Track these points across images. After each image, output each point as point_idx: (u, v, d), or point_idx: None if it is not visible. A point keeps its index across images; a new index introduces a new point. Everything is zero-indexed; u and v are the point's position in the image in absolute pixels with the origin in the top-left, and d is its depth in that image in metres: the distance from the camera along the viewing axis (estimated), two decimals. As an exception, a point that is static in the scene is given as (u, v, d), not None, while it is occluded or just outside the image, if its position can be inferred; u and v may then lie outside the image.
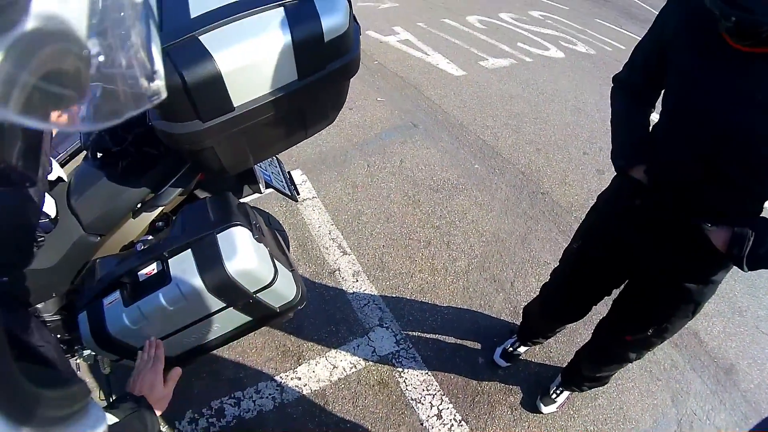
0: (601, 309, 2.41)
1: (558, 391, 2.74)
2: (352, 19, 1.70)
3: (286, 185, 2.42)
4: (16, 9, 0.43)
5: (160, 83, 0.58)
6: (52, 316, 1.94)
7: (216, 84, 1.47)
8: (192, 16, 1.49)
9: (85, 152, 2.00)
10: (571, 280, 2.36)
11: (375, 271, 3.29)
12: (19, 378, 0.61)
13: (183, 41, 1.43)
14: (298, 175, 3.92)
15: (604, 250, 2.07)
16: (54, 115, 0.50)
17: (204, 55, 1.42)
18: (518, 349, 2.91)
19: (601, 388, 2.74)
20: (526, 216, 3.87)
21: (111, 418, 1.01)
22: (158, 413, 1.22)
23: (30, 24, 0.43)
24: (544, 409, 2.71)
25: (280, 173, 2.47)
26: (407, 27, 6.77)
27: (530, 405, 2.75)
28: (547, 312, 2.59)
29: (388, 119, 4.76)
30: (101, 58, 0.51)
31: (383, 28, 6.60)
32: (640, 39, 1.79)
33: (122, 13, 0.53)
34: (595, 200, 2.15)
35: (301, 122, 1.84)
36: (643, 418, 2.77)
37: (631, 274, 2.09)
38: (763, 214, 1.65)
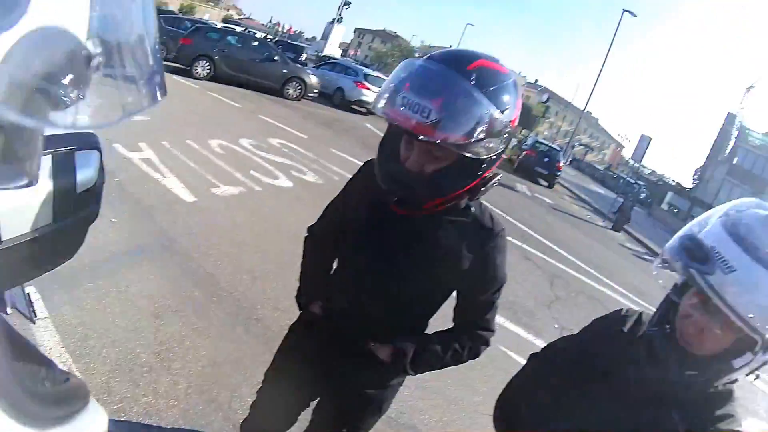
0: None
1: None
2: (101, 172, 1.94)
3: (26, 306, 2.42)
4: (16, 9, 0.43)
5: (159, 82, 0.59)
6: None
7: None
8: None
9: None
10: (273, 395, 2.50)
11: (103, 396, 3.28)
12: (19, 378, 0.60)
13: None
14: (33, 292, 3.88)
15: (298, 367, 2.28)
16: (54, 115, 0.50)
17: None
18: None
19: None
20: (240, 340, 4.21)
21: None
22: None
23: (30, 24, 0.44)
24: None
25: (22, 293, 2.45)
26: (152, 144, 6.96)
27: None
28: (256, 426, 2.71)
29: (118, 242, 4.84)
30: (101, 58, 0.51)
31: (129, 143, 6.71)
32: (334, 197, 2.17)
33: (122, 13, 0.54)
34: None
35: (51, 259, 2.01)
36: None
37: (323, 390, 2.33)
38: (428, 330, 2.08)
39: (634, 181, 44.31)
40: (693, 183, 63.87)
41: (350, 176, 2.13)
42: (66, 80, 0.49)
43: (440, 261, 1.83)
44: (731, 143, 54.18)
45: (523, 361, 1.99)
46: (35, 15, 0.44)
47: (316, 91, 19.33)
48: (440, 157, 1.62)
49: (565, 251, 12.59)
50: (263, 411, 2.64)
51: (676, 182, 63.09)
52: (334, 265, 2.19)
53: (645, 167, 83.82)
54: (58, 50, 0.47)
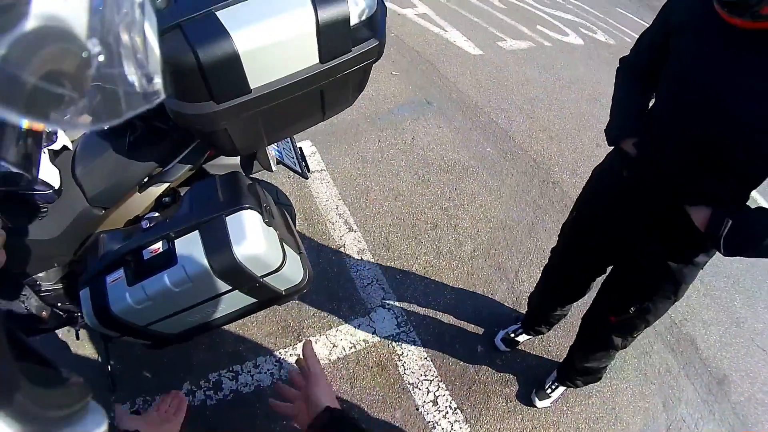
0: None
1: (553, 386, 2.76)
2: (380, 0, 1.62)
3: (296, 162, 2.36)
4: (16, 9, 0.42)
5: (159, 83, 0.56)
6: (52, 285, 1.91)
7: (232, 64, 1.38)
8: None
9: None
10: (567, 255, 2.41)
11: (380, 250, 3.27)
12: (19, 378, 0.59)
13: (198, 16, 1.34)
14: (307, 147, 3.87)
15: (594, 221, 2.12)
16: (54, 115, 0.48)
17: (221, 32, 1.33)
18: (519, 336, 2.93)
19: (595, 386, 2.76)
20: (535, 205, 3.84)
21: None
22: None
23: (30, 24, 0.43)
24: (539, 403, 2.73)
25: (291, 149, 2.40)
26: (426, 0, 6.61)
27: (525, 398, 2.76)
28: (547, 290, 2.64)
29: (401, 94, 4.67)
30: (101, 58, 0.50)
31: (401, 1, 6.44)
32: (650, 24, 1.86)
33: (122, 13, 0.52)
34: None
35: (319, 105, 1.76)
36: (634, 420, 2.79)
37: (618, 250, 2.11)
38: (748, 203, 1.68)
39: None
40: None
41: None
42: (66, 80, 0.47)
43: None
44: None
45: None
46: (35, 15, 0.43)
47: None
48: None
49: None
50: (554, 272, 2.57)
51: None
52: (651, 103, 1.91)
53: None
54: (58, 50, 0.46)
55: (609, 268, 2.25)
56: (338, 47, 1.54)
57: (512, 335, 2.92)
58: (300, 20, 1.41)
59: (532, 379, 2.84)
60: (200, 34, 1.32)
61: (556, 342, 3.03)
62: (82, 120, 0.51)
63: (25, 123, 0.44)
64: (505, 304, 3.15)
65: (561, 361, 2.76)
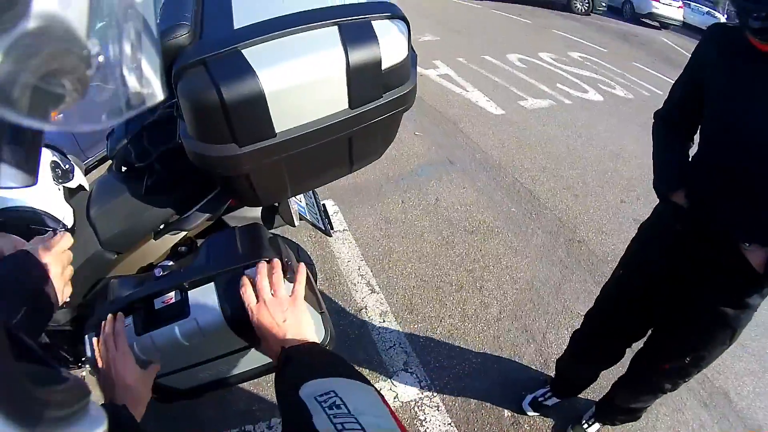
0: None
1: (590, 422, 2.70)
2: (411, 47, 1.58)
3: (320, 219, 2.31)
4: (16, 9, 0.41)
5: (158, 83, 0.56)
6: (60, 326, 1.88)
7: (258, 105, 1.33)
8: (236, 27, 1.38)
9: (110, 162, 1.91)
10: (606, 316, 2.36)
11: (403, 313, 3.22)
12: (19, 378, 0.59)
13: (224, 53, 1.31)
14: (330, 205, 3.89)
15: (644, 278, 2.09)
16: (54, 115, 0.49)
17: (247, 70, 1.30)
18: (548, 401, 2.84)
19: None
20: (562, 264, 3.79)
21: None
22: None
23: (30, 24, 0.42)
24: None
25: (315, 205, 2.37)
26: (447, 61, 6.81)
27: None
28: (579, 356, 2.59)
29: (424, 154, 4.74)
30: (101, 58, 0.50)
31: (423, 61, 6.60)
32: (679, 75, 1.89)
33: (123, 13, 0.52)
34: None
35: (347, 155, 1.72)
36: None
37: (667, 307, 2.08)
38: None
39: None
40: None
41: (660, 92, 1.90)
42: (66, 80, 0.47)
43: None
44: None
45: None
46: (35, 14, 0.42)
47: (604, 4, 18.59)
48: None
49: None
50: (590, 336, 2.50)
51: None
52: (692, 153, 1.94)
53: None
54: (58, 50, 0.45)
55: (649, 331, 2.23)
56: (369, 92, 1.50)
57: (540, 399, 2.83)
58: (330, 62, 1.38)
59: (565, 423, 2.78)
60: (225, 71, 1.30)
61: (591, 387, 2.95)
62: (82, 120, 0.52)
63: (26, 123, 0.45)
64: (533, 366, 3.06)
65: (596, 401, 2.71)
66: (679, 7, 19.55)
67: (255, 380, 2.62)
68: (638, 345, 2.32)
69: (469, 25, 10.48)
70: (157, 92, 0.56)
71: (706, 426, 2.91)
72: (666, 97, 1.98)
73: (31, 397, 0.59)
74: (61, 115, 0.49)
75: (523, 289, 3.54)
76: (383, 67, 1.45)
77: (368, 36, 1.41)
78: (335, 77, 1.40)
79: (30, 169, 0.56)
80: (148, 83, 0.56)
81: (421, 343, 3.05)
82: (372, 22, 1.45)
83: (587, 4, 17.72)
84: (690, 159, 1.92)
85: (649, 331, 2.27)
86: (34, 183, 0.56)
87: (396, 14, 1.50)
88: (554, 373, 2.83)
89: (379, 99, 1.53)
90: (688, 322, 2.02)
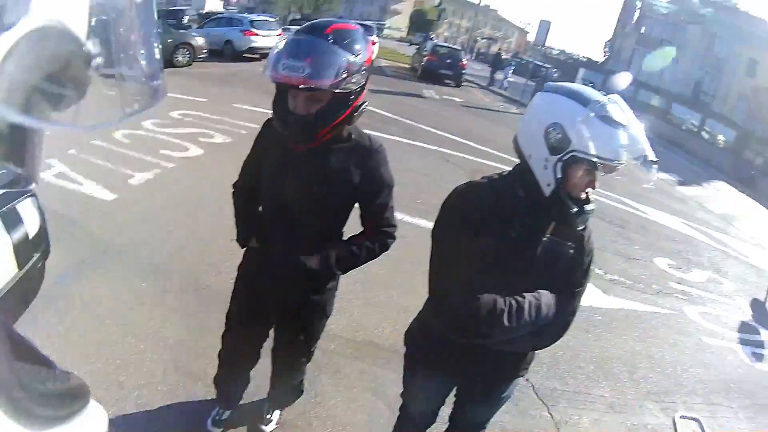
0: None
1: (270, 411, 3.39)
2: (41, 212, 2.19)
3: None
4: (16, 9, 0.42)
5: (160, 83, 0.59)
6: None
7: None
8: None
9: None
10: (239, 330, 2.95)
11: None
12: (19, 378, 0.60)
13: None
14: None
15: (253, 303, 2.78)
16: (54, 115, 0.50)
17: None
18: (224, 415, 3.34)
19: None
20: (198, 311, 4.48)
21: None
22: None
23: (30, 24, 0.43)
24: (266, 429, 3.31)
25: None
26: (61, 157, 6.76)
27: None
28: (226, 365, 3.14)
29: (59, 264, 4.53)
30: (101, 58, 0.51)
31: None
32: (247, 156, 2.67)
33: (123, 13, 0.54)
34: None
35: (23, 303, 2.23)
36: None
37: (277, 310, 2.81)
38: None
39: (541, 64, 45.25)
40: (604, 56, 68.76)
41: (257, 126, 2.65)
42: (66, 80, 0.50)
43: (336, 179, 2.37)
44: (636, 14, 57.63)
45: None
46: (35, 15, 0.44)
47: (204, 51, 19.25)
48: (319, 99, 2.17)
49: (483, 145, 13.10)
50: (231, 353, 3.08)
51: (587, 58, 65.34)
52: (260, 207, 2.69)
53: (553, 49, 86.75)
54: (58, 50, 0.48)
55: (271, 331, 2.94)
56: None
57: (217, 417, 3.35)
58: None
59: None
60: None
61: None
62: (82, 120, 0.54)
63: (26, 123, 0.46)
64: (197, 399, 3.60)
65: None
66: (279, 34, 21.12)
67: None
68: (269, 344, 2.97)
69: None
70: (161, 90, 0.59)
71: (364, 372, 4.05)
72: (240, 171, 2.71)
73: (32, 397, 0.60)
74: (62, 114, 0.52)
75: (174, 344, 4.09)
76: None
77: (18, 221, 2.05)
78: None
79: (30, 170, 0.56)
80: (148, 83, 0.57)
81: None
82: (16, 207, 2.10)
83: (188, 56, 18.06)
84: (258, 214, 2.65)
85: (272, 331, 2.94)
86: (36, 184, 0.58)
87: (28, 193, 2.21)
88: (216, 392, 3.32)
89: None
90: (291, 313, 2.72)
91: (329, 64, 2.06)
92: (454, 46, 33.75)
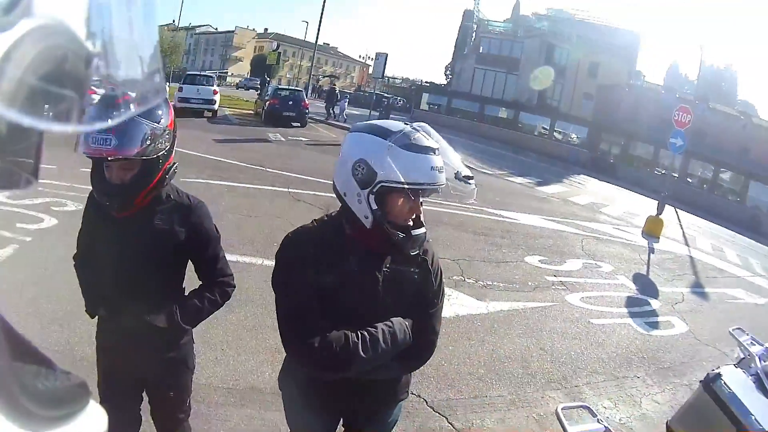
0: None
1: None
2: None
3: None
4: (16, 9, 0.43)
5: (158, 83, 0.59)
6: None
7: None
8: None
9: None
10: (109, 408, 3.01)
11: None
12: (18, 377, 0.60)
13: None
14: None
15: (116, 369, 2.77)
16: (54, 115, 0.50)
17: None
18: None
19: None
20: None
21: None
22: None
23: (30, 24, 0.44)
24: None
25: None
26: None
27: None
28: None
29: None
30: (101, 59, 0.51)
31: None
32: (80, 228, 2.71)
33: (123, 13, 0.54)
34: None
35: None
36: None
37: (143, 373, 2.80)
38: None
39: (382, 94, 47.09)
40: (447, 79, 72.33)
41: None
42: (66, 80, 0.49)
43: (161, 239, 2.50)
44: (473, 36, 60.97)
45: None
46: (35, 15, 0.44)
47: None
48: (131, 167, 2.30)
49: (331, 180, 13.13)
50: (111, 422, 3.02)
51: (430, 82, 67.57)
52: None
53: (396, 78, 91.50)
54: (58, 50, 0.48)
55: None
56: None
57: None
58: None
59: None
60: None
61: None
62: (82, 120, 0.54)
63: (26, 123, 0.45)
64: None
65: None
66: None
67: None
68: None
69: None
70: (162, 90, 0.59)
71: (253, 417, 4.04)
72: (76, 245, 2.74)
73: (30, 397, 0.60)
74: (62, 114, 0.50)
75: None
76: None
77: None
78: None
79: (30, 170, 0.56)
80: (149, 82, 0.58)
81: None
82: None
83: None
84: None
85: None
86: (36, 184, 0.57)
87: None
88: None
89: None
90: (155, 373, 2.74)
91: (133, 134, 2.19)
92: (296, 88, 35.10)
